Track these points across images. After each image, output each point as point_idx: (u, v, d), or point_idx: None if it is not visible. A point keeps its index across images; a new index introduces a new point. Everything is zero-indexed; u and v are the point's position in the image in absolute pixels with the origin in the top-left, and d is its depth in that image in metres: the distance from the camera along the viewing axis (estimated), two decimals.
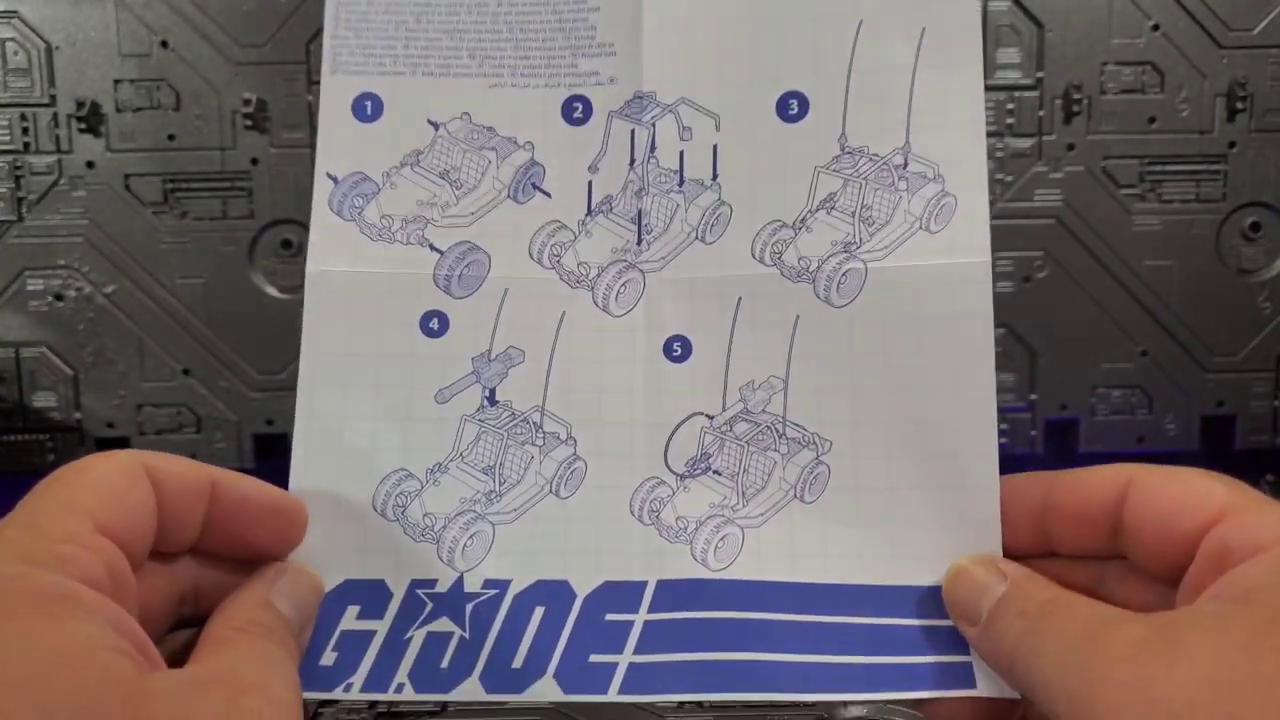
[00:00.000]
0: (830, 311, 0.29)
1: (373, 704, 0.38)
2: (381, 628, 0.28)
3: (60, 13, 0.48)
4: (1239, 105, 0.48)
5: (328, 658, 0.27)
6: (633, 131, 0.30)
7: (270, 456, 0.50)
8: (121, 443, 0.49)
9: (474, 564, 0.28)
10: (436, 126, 0.31)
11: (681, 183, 0.30)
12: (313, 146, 0.48)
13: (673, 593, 0.28)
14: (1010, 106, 0.48)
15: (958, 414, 0.28)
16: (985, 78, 0.48)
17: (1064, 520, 0.27)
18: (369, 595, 0.28)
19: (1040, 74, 0.48)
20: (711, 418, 0.29)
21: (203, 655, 0.23)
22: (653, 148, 0.30)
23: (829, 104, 0.29)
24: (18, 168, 0.48)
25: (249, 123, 0.48)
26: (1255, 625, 0.21)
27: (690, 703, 0.38)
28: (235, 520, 0.26)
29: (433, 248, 0.30)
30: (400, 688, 0.27)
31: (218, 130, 0.48)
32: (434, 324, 0.30)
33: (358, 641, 0.28)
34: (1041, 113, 0.48)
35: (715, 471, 0.29)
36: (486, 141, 0.31)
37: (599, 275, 0.30)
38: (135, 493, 0.24)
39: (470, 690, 0.27)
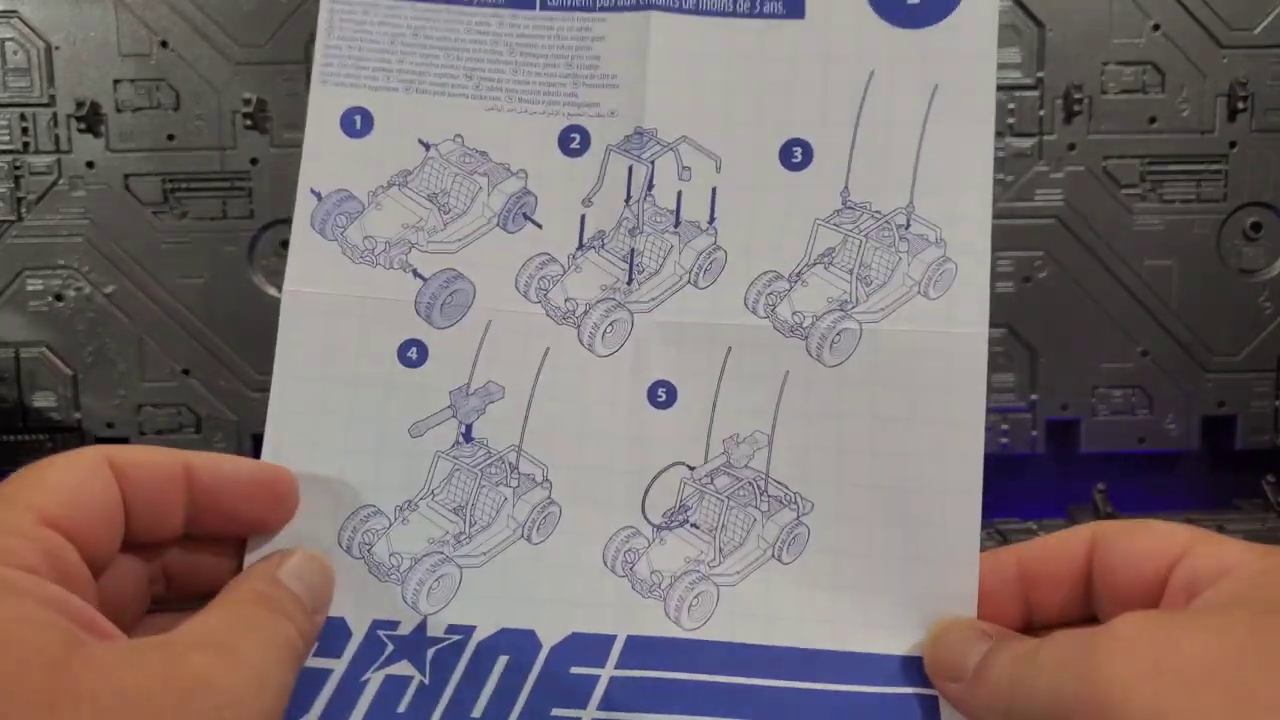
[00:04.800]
0: (821, 370, 0.28)
1: None
2: (339, 667, 0.27)
3: (60, 13, 0.48)
4: (1240, 105, 0.48)
5: None
6: (630, 168, 0.29)
7: None
8: (121, 443, 0.49)
9: (438, 607, 0.28)
10: (428, 147, 0.30)
11: (677, 223, 0.29)
12: None
13: (643, 650, 0.27)
14: (1011, 106, 0.48)
15: (943, 485, 0.27)
16: None
17: (1039, 586, 0.27)
18: (328, 632, 0.27)
19: (1041, 74, 0.48)
20: (692, 469, 0.29)
21: (180, 623, 0.23)
22: (650, 185, 0.29)
23: (834, 154, 0.29)
24: (17, 168, 0.48)
25: (249, 123, 0.48)
26: (1249, 617, 0.22)
27: None
28: (220, 500, 0.26)
29: (416, 273, 0.29)
30: None
31: (217, 130, 0.48)
32: (412, 353, 0.29)
33: (313, 680, 0.27)
34: (1042, 112, 0.48)
35: (693, 525, 0.28)
36: (478, 166, 0.30)
37: (586, 313, 0.29)
38: (91, 486, 0.24)
39: None
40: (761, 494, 0.28)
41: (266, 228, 0.49)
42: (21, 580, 0.21)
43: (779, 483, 0.28)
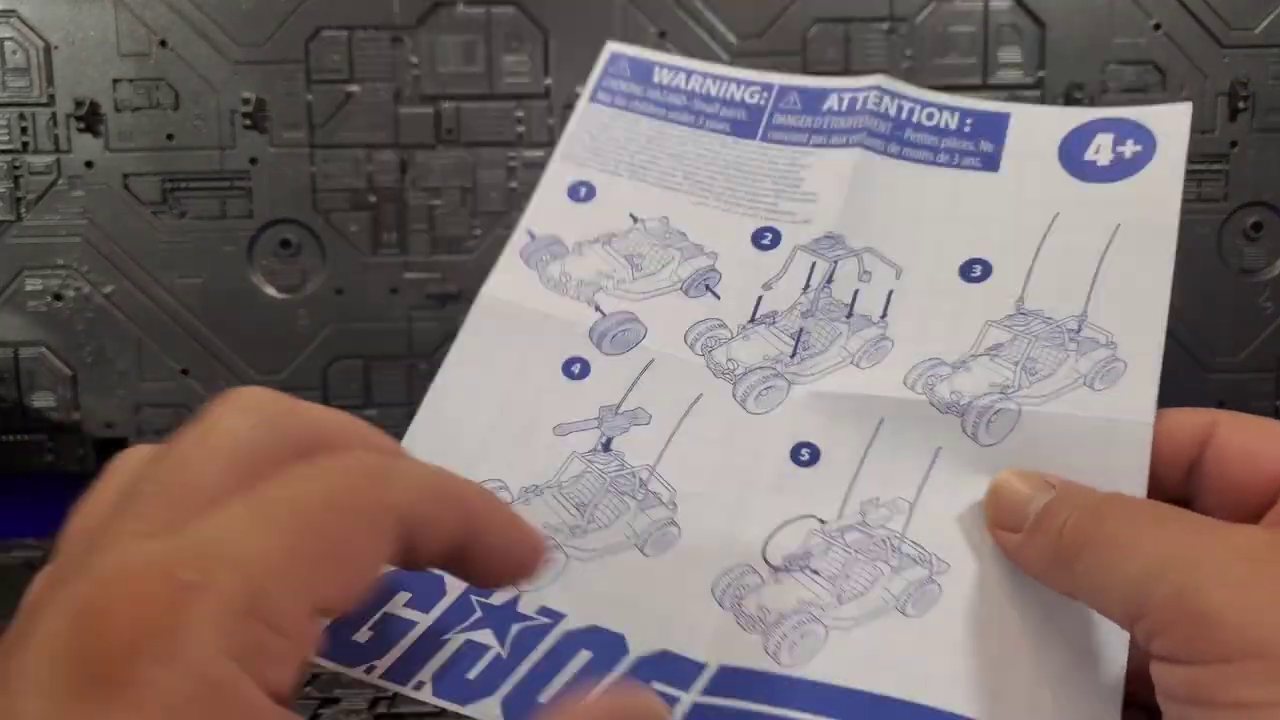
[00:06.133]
0: (974, 448, 0.27)
1: (372, 705, 0.38)
2: (425, 621, 0.27)
3: (59, 12, 0.47)
4: (1240, 105, 0.48)
5: (362, 634, 0.26)
6: (813, 264, 0.31)
7: None
8: (120, 443, 0.49)
9: (537, 586, 0.27)
10: (636, 220, 0.33)
11: (850, 315, 0.30)
12: (311, 145, 0.48)
13: (731, 680, 0.26)
14: None
15: None
16: (986, 76, 0.49)
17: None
18: (423, 587, 0.27)
19: (1042, 73, 0.48)
20: (824, 522, 0.28)
21: None
22: (829, 280, 0.31)
23: (1013, 272, 0.29)
24: (16, 167, 0.48)
25: (248, 122, 0.48)
26: None
27: None
28: (476, 556, 0.21)
29: (598, 309, 0.31)
30: (420, 685, 0.26)
31: (216, 130, 0.48)
32: (576, 369, 0.31)
33: (397, 628, 0.27)
34: None
35: (814, 570, 0.27)
36: (676, 242, 0.32)
37: (745, 374, 0.30)
38: (375, 570, 0.19)
39: (487, 710, 0.25)
40: (894, 551, 0.27)
41: (265, 227, 0.49)
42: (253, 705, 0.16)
43: (915, 543, 0.27)
